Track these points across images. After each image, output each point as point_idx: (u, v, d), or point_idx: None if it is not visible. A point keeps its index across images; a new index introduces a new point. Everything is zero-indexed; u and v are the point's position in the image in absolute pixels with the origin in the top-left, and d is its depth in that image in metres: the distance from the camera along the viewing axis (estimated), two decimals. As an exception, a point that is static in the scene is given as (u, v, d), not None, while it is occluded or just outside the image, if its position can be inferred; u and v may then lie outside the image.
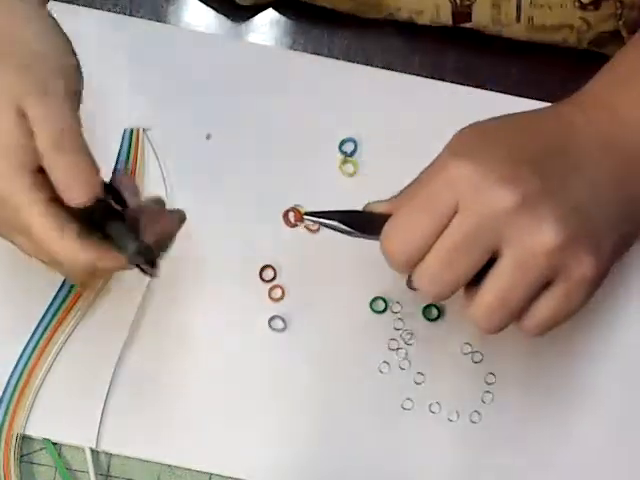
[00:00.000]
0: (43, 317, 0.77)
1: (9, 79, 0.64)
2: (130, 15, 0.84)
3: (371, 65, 0.83)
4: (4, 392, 0.77)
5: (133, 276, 0.70)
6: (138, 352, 0.78)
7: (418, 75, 0.82)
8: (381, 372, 0.78)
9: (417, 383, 0.78)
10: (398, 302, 0.79)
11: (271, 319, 0.79)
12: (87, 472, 0.77)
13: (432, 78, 0.82)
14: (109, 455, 0.78)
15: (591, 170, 0.67)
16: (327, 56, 0.83)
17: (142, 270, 0.67)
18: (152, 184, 0.80)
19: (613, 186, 0.67)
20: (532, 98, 0.80)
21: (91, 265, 0.65)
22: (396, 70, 0.83)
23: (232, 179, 0.80)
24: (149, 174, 0.80)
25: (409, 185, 0.67)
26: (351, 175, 0.81)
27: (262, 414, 0.78)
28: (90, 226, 0.66)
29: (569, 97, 0.71)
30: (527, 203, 0.63)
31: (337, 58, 0.83)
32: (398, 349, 0.79)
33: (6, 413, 0.77)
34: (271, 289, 0.79)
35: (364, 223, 0.68)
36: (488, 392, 0.78)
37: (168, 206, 0.69)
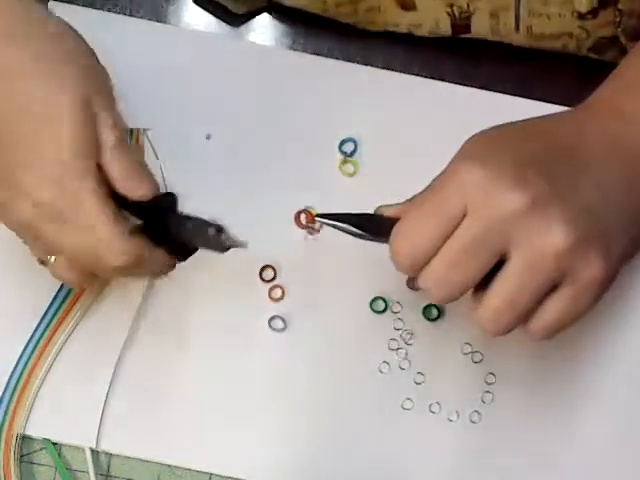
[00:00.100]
0: (43, 317, 0.77)
1: (78, 78, 0.65)
2: (130, 15, 0.83)
3: (371, 65, 0.83)
4: (4, 392, 0.77)
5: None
6: (138, 352, 0.78)
7: (418, 75, 0.82)
8: (381, 372, 0.78)
9: (417, 383, 0.78)
10: (398, 302, 0.79)
11: (271, 319, 0.79)
12: (87, 472, 0.77)
13: (432, 78, 0.82)
14: (109, 455, 0.78)
15: (600, 172, 0.67)
16: (327, 56, 0.83)
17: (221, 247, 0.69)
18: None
19: (623, 188, 0.67)
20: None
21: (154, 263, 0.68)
22: (396, 69, 0.83)
23: (232, 179, 0.80)
24: (149, 174, 0.80)
25: (422, 191, 0.67)
26: (351, 175, 0.81)
27: (262, 414, 0.78)
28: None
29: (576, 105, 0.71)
30: (536, 205, 0.63)
31: (337, 58, 0.83)
32: (398, 349, 0.79)
33: (6, 413, 0.77)
34: (271, 289, 0.79)
35: (375, 226, 0.68)
36: (488, 392, 0.78)
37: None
